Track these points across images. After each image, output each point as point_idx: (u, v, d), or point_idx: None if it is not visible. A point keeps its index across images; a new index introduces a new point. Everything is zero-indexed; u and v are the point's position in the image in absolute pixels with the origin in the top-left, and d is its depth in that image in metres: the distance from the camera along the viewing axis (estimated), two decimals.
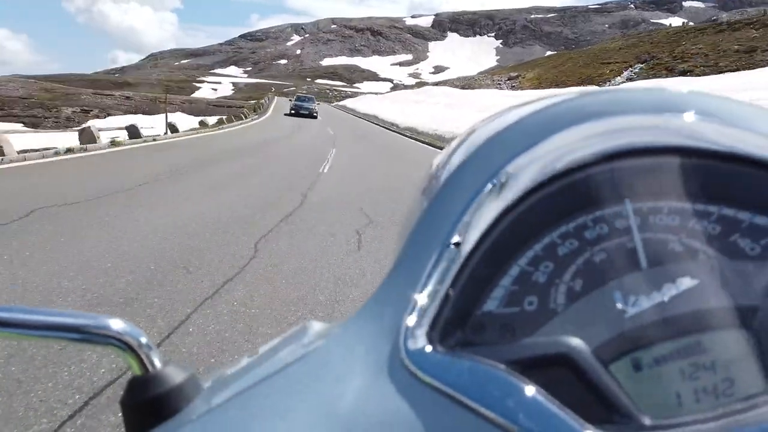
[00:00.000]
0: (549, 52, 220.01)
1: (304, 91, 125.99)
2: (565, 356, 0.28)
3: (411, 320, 0.29)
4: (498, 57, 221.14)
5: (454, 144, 0.36)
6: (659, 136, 0.30)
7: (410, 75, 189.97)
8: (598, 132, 0.30)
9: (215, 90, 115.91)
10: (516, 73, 69.38)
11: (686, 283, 0.29)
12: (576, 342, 0.28)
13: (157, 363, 0.32)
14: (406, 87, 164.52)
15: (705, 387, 0.27)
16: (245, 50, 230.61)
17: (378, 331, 0.30)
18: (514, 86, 57.27)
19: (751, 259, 0.30)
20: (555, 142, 0.30)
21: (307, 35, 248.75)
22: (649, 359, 0.28)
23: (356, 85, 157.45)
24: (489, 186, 0.30)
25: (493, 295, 0.30)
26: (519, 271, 0.30)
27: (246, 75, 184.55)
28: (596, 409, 0.27)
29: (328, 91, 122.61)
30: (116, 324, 0.31)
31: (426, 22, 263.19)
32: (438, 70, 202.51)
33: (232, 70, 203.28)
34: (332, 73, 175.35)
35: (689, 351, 0.28)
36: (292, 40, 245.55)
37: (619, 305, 0.28)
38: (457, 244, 0.30)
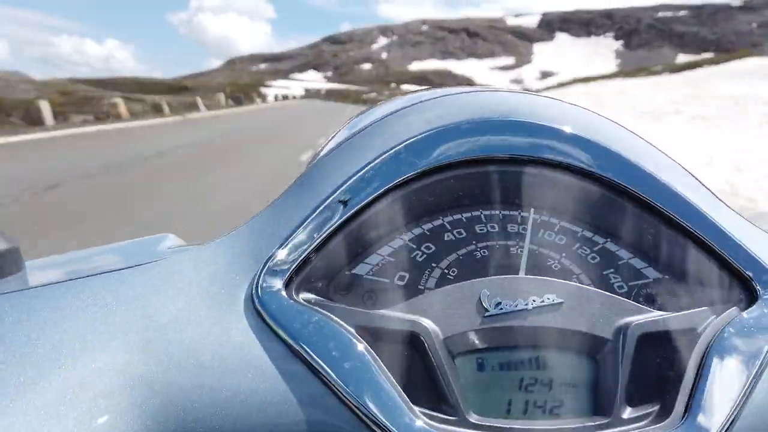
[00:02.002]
0: (681, 56, 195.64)
1: (386, 97, 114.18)
2: (416, 337, 0.30)
3: (275, 260, 0.30)
4: (618, 60, 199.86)
5: (368, 111, 0.38)
6: (572, 155, 0.32)
7: (512, 81, 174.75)
8: (519, 132, 0.31)
9: (285, 97, 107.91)
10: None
11: (551, 300, 0.31)
12: (431, 326, 0.30)
13: None
14: None
15: (537, 401, 0.30)
16: (327, 54, 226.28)
17: (238, 261, 0.31)
18: None
19: (617, 295, 0.33)
20: (464, 128, 0.31)
21: (394, 37, 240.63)
22: (494, 362, 0.30)
23: None
24: (389, 153, 0.31)
25: (367, 260, 0.32)
26: (400, 245, 0.32)
27: (325, 80, 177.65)
28: (429, 394, 0.29)
29: None
30: None
31: (531, 21, 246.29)
32: (545, 75, 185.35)
33: (311, 74, 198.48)
34: (421, 78, 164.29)
35: (533, 364, 0.30)
36: (378, 42, 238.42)
37: (484, 303, 0.31)
38: (344, 202, 0.31)
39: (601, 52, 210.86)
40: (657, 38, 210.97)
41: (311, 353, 0.28)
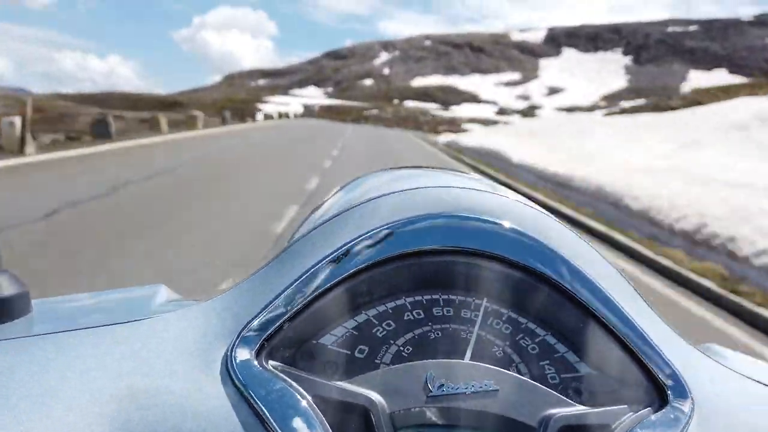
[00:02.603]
0: (693, 71, 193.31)
1: (390, 114, 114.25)
2: (365, 409, 0.33)
3: (250, 328, 0.35)
4: (629, 76, 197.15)
5: (348, 186, 0.43)
6: (519, 252, 0.36)
7: (519, 97, 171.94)
8: (476, 227, 0.36)
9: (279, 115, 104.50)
10: None
11: (488, 386, 0.35)
12: (379, 401, 0.33)
13: None
14: (515, 111, 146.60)
15: None
16: (327, 69, 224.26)
17: (219, 326, 0.36)
18: None
19: (549, 387, 0.36)
20: (429, 221, 0.36)
21: (396, 52, 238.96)
22: None
23: (452, 107, 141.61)
24: (360, 239, 0.36)
25: (333, 332, 0.36)
26: (364, 320, 0.36)
27: (326, 95, 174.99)
28: None
29: (419, 114, 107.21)
30: None
31: (536, 36, 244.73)
32: (552, 91, 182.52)
33: (311, 90, 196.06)
34: (424, 94, 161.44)
35: None
36: (379, 58, 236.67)
37: (429, 384, 0.34)
38: (317, 279, 0.35)
39: (610, 68, 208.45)
40: (667, 54, 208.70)
41: (271, 420, 0.31)
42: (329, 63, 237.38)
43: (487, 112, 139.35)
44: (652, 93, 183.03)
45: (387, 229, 0.37)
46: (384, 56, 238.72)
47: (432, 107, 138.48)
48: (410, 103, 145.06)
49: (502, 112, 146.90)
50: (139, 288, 0.42)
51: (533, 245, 0.37)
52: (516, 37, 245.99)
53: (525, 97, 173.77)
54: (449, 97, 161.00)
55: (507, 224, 0.37)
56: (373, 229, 0.37)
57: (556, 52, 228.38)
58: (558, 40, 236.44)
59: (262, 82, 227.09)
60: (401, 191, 0.40)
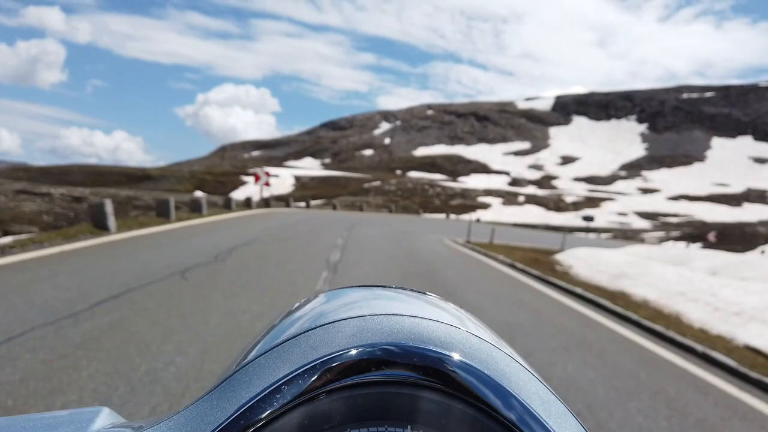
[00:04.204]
0: (716, 139, 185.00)
1: (394, 186, 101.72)
2: None
3: None
4: (646, 144, 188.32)
5: (292, 317, 0.45)
6: (462, 385, 0.36)
7: (531, 166, 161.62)
8: (417, 357, 0.37)
9: (268, 186, 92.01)
10: None
11: None
12: None
13: None
14: (529, 182, 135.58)
15: None
16: (325, 140, 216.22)
17: None
18: None
19: None
20: (365, 352, 0.37)
21: (397, 122, 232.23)
22: None
23: (461, 178, 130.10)
24: (302, 370, 0.36)
25: None
26: None
27: (323, 167, 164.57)
28: None
29: (427, 186, 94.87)
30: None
31: (544, 105, 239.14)
32: (566, 160, 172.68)
33: (308, 161, 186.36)
34: (429, 164, 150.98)
35: None
36: (380, 128, 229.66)
37: None
38: (259, 410, 0.35)
39: (626, 136, 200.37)
40: (685, 120, 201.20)
41: None
42: (327, 134, 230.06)
43: (499, 182, 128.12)
44: (673, 162, 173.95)
45: (328, 360, 0.37)
46: (384, 126, 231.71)
47: (439, 178, 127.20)
48: (414, 174, 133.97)
49: (515, 182, 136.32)
50: (80, 411, 0.42)
51: (479, 378, 0.37)
52: (522, 105, 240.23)
53: (538, 167, 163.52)
54: (456, 167, 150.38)
55: (454, 356, 0.38)
56: (316, 359, 0.37)
57: (566, 120, 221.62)
58: (567, 108, 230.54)
59: (256, 153, 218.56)
60: (347, 319, 0.41)
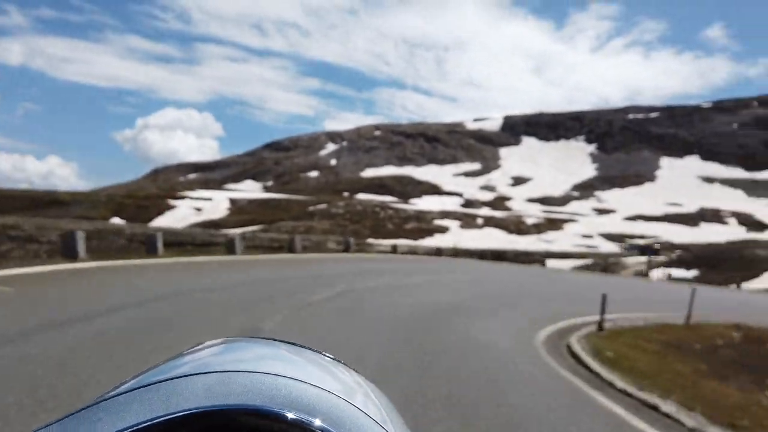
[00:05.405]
0: (665, 159, 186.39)
1: (342, 209, 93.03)
2: None
3: None
4: (596, 164, 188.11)
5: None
6: None
7: (483, 188, 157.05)
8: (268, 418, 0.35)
9: (199, 210, 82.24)
10: None
11: None
12: None
13: None
14: (482, 203, 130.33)
15: None
16: (268, 161, 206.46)
17: None
18: None
19: None
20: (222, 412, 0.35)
21: (344, 143, 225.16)
22: None
23: (412, 200, 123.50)
24: (157, 422, 0.34)
25: None
26: None
27: (264, 190, 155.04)
28: None
29: (377, 209, 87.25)
30: None
31: (493, 125, 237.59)
32: (518, 181, 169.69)
33: (249, 184, 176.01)
34: (378, 185, 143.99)
35: None
36: (325, 149, 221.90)
37: None
38: None
39: (576, 156, 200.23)
40: (634, 141, 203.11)
41: None
42: (270, 155, 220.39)
43: (452, 204, 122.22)
44: (625, 181, 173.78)
45: (176, 416, 0.35)
46: (331, 147, 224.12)
47: (389, 200, 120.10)
48: (363, 196, 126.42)
49: (468, 204, 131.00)
50: None
51: None
52: (471, 126, 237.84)
53: (490, 188, 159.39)
54: (407, 188, 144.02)
55: (316, 421, 0.36)
56: (163, 416, 0.35)
57: (516, 141, 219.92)
58: (516, 128, 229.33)
59: (192, 176, 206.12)
60: (210, 372, 0.39)
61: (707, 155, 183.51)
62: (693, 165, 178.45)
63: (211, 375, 0.39)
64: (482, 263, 33.55)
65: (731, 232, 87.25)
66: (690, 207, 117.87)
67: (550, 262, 43.19)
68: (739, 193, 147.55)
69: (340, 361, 0.49)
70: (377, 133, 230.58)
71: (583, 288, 20.69)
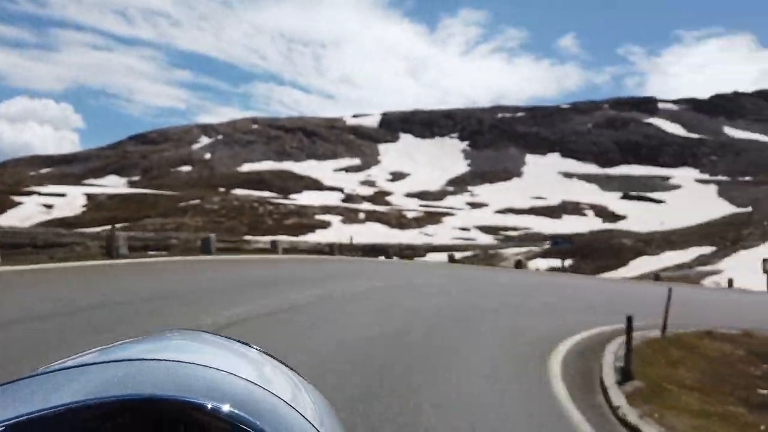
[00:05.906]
0: (529, 156, 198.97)
1: (217, 205, 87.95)
2: None
3: None
4: (468, 161, 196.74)
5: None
6: None
7: (363, 183, 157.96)
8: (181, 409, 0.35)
9: (49, 207, 73.80)
10: None
11: None
12: None
13: None
14: (363, 198, 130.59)
15: None
16: (134, 155, 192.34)
17: None
18: None
19: None
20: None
21: (219, 137, 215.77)
22: None
23: (293, 195, 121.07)
24: (50, 411, 0.33)
25: None
26: None
27: (130, 185, 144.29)
28: None
29: (255, 204, 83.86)
30: None
31: (371, 122, 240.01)
32: (397, 176, 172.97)
33: (112, 179, 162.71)
34: (257, 180, 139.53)
35: None
36: (199, 142, 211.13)
37: None
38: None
39: (450, 153, 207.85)
40: (502, 139, 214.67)
41: None
42: (136, 148, 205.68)
43: (333, 199, 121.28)
44: (495, 177, 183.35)
45: (67, 408, 0.34)
46: (204, 140, 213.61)
47: (268, 195, 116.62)
48: (240, 191, 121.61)
49: (349, 199, 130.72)
50: None
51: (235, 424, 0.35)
52: (350, 122, 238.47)
53: (370, 183, 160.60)
54: (287, 183, 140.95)
55: (225, 407, 0.35)
56: (58, 405, 0.34)
57: (393, 137, 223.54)
58: (393, 125, 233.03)
59: (46, 170, 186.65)
60: (124, 361, 0.38)
61: (566, 153, 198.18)
62: (554, 162, 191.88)
63: (124, 363, 0.38)
64: (382, 263, 28.81)
65: (590, 223, 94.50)
66: (553, 200, 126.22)
67: (434, 256, 43.41)
68: (594, 188, 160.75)
69: (268, 354, 0.48)
70: (255, 126, 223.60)
71: (526, 290, 17.01)
